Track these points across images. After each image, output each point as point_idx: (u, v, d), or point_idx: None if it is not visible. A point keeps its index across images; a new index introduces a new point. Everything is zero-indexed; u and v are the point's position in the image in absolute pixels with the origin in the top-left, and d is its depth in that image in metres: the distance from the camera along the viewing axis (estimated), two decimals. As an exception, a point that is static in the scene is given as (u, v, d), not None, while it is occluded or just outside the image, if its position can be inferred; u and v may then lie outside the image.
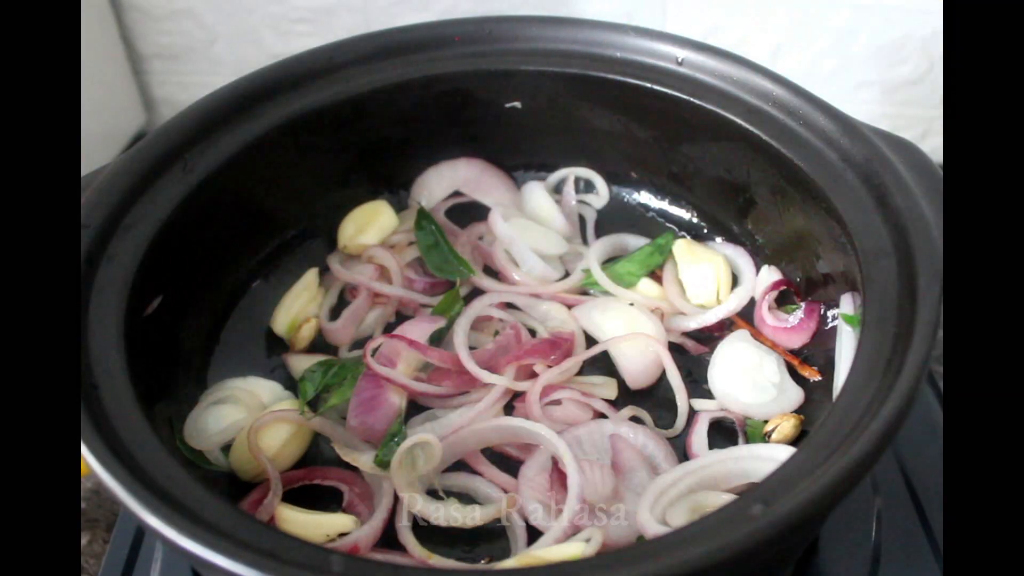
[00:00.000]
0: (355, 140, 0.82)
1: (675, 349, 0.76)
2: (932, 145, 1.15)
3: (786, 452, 0.61)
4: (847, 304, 0.69)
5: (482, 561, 0.63)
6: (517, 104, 0.84)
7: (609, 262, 0.83)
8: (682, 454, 0.68)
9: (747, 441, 0.68)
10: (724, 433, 0.71)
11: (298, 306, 0.79)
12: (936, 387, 0.80)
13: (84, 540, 0.76)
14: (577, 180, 0.89)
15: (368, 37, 0.80)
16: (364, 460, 0.66)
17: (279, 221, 0.82)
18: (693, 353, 0.77)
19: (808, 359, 0.73)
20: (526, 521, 0.63)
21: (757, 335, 0.76)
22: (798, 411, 0.69)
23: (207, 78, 1.23)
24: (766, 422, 0.69)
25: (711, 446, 0.68)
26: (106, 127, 1.17)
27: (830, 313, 0.72)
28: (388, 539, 0.63)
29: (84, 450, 0.50)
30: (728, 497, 0.61)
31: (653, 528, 0.59)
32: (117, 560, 0.70)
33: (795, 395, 0.70)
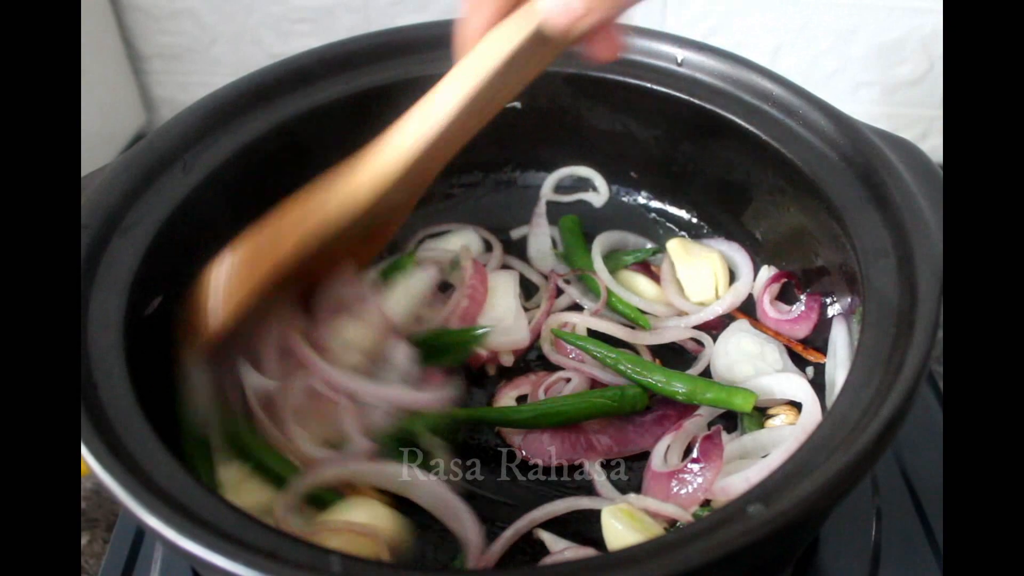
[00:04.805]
0: (355, 141, 0.82)
1: (675, 349, 0.76)
2: (932, 145, 1.15)
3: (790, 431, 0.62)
4: (847, 312, 0.69)
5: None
6: (517, 104, 0.84)
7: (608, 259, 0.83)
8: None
9: (745, 429, 0.68)
10: (727, 420, 0.70)
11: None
12: (936, 387, 0.80)
13: (84, 540, 0.76)
14: (577, 180, 0.89)
15: (368, 37, 0.80)
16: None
17: (279, 221, 0.82)
18: (693, 353, 0.77)
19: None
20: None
21: (757, 326, 0.76)
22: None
23: (207, 78, 1.23)
24: (764, 410, 0.69)
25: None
26: (106, 127, 1.17)
27: (830, 308, 0.72)
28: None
29: (84, 450, 0.50)
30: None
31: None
32: (117, 560, 0.70)
33: (797, 382, 0.70)
